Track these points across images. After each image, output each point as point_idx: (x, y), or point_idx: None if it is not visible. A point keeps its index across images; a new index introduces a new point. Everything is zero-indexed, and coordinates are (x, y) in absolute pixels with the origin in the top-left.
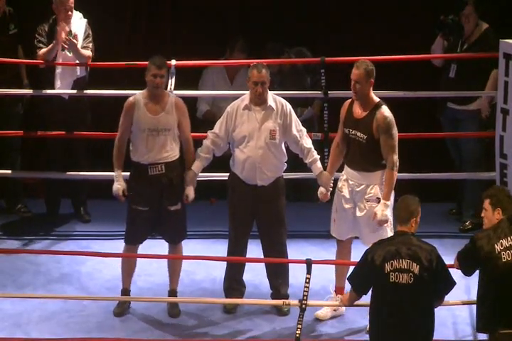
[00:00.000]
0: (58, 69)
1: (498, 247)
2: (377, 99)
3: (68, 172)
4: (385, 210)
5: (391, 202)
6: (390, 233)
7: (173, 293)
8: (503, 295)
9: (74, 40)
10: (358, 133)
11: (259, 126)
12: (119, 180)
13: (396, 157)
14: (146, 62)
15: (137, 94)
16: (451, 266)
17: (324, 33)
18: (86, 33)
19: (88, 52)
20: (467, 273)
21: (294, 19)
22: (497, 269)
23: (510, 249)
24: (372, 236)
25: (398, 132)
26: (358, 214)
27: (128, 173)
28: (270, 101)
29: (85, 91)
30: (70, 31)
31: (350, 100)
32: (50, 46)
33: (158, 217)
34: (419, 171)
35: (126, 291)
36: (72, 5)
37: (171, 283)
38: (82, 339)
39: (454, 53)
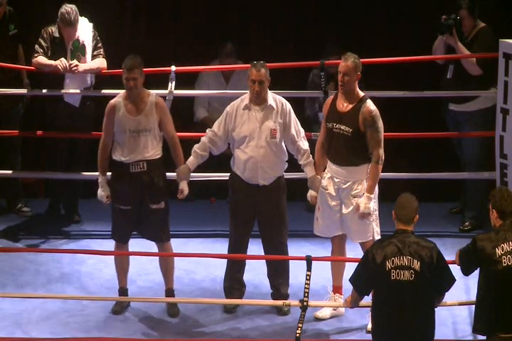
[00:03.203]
0: (67, 80)
1: (498, 251)
2: (362, 94)
3: (69, 173)
4: (368, 203)
5: (375, 196)
6: (376, 228)
7: (169, 291)
8: (502, 299)
9: (77, 66)
10: (343, 127)
11: (260, 125)
12: (103, 186)
13: (381, 151)
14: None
15: (118, 96)
16: (452, 263)
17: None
18: (94, 39)
19: (98, 62)
20: (466, 272)
21: (294, 19)
22: (497, 273)
23: (510, 254)
24: (360, 232)
25: (399, 132)
26: (345, 210)
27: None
28: (270, 101)
29: (88, 92)
30: (78, 40)
31: (332, 96)
32: (48, 64)
33: (140, 216)
34: (420, 171)
35: (123, 290)
36: (77, 24)
37: (166, 282)
38: (82, 339)
39: (453, 53)
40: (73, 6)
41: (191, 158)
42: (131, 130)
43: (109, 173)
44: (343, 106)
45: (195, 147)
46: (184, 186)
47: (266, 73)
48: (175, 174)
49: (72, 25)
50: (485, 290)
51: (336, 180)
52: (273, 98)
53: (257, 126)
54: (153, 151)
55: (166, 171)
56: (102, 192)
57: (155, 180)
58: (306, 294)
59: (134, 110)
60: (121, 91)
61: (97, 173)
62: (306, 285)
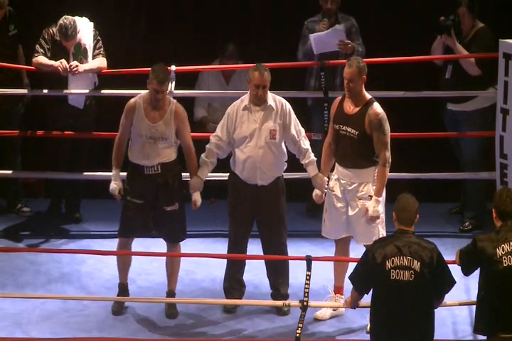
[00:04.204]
0: (71, 84)
1: (499, 251)
2: (369, 96)
3: (70, 173)
4: (377, 206)
5: (383, 199)
6: (382, 230)
7: (171, 293)
8: (503, 300)
9: (78, 67)
10: (349, 129)
11: (260, 126)
12: (116, 179)
13: (388, 153)
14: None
15: (139, 97)
16: (452, 263)
17: None
18: (95, 39)
19: (99, 62)
20: (466, 272)
21: (294, 19)
22: (497, 273)
23: (511, 254)
24: (365, 234)
25: (399, 132)
26: (351, 212)
27: (125, 173)
28: (270, 101)
29: (89, 92)
30: (79, 44)
31: (340, 97)
32: (48, 64)
33: (154, 216)
34: (420, 171)
35: (123, 286)
36: (73, 34)
37: (169, 283)
38: (82, 339)
39: (451, 53)
40: (72, 19)
41: (203, 169)
42: (148, 136)
43: (123, 173)
44: (350, 108)
45: (203, 156)
46: (198, 197)
47: (268, 76)
48: (188, 174)
49: (71, 38)
50: (485, 291)
51: (342, 181)
52: (273, 98)
53: (256, 126)
54: (168, 156)
55: (182, 171)
56: (114, 185)
57: (169, 182)
58: (306, 294)
59: (152, 116)
60: (122, 92)
61: (98, 173)
62: (306, 285)
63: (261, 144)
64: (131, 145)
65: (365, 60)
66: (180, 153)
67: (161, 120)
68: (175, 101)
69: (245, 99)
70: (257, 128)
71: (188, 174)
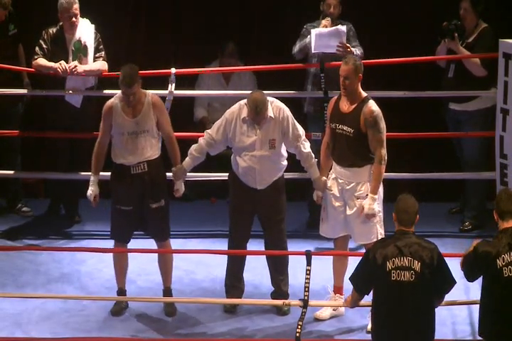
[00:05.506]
0: (68, 81)
1: (499, 262)
2: (364, 94)
3: (69, 173)
4: (373, 204)
5: (380, 197)
6: (380, 229)
7: (167, 291)
8: (505, 309)
9: (77, 67)
10: (345, 128)
11: (259, 137)
12: (93, 185)
13: (384, 151)
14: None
15: (114, 98)
16: (458, 256)
17: None
18: (96, 41)
19: (99, 64)
20: (469, 278)
21: (294, 19)
22: (498, 284)
23: (511, 265)
24: (363, 233)
25: (399, 132)
26: (348, 212)
27: (108, 173)
28: (269, 112)
29: (89, 92)
30: (79, 41)
31: (336, 97)
32: (48, 66)
33: (141, 215)
34: (420, 171)
35: (121, 291)
36: (77, 11)
37: (164, 281)
38: (82, 339)
39: (454, 53)
40: None
41: (187, 160)
42: (130, 132)
43: (107, 173)
44: (346, 106)
45: (192, 149)
46: (179, 186)
47: (266, 106)
48: (171, 174)
49: (69, 5)
50: (488, 298)
51: (340, 181)
52: (271, 106)
53: (256, 138)
54: (153, 151)
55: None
56: (90, 192)
57: (156, 180)
58: (306, 289)
59: (131, 112)
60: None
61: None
62: (307, 280)
63: (261, 154)
64: (114, 145)
65: (367, 61)
66: (163, 152)
67: (140, 113)
68: (150, 92)
69: (244, 109)
70: (257, 140)
71: (171, 174)
